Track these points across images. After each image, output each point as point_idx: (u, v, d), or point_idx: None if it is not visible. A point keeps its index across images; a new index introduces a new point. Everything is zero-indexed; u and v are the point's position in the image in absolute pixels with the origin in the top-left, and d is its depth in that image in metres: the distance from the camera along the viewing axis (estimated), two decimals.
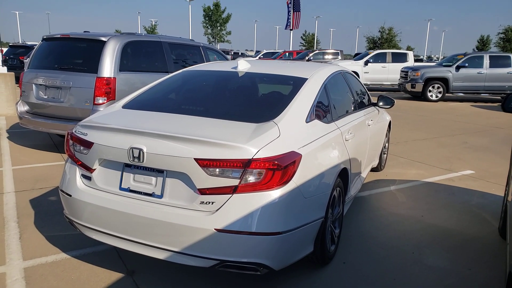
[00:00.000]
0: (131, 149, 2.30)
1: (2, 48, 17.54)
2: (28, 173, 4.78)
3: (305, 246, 2.50)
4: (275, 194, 2.19)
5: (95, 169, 2.50)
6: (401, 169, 5.46)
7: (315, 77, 3.13)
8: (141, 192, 2.36)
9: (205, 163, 2.17)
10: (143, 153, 2.28)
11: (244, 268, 2.23)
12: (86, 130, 2.55)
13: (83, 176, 2.57)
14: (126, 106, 2.93)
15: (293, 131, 2.48)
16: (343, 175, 3.07)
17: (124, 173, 2.42)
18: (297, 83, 3.00)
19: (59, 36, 5.58)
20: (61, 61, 5.43)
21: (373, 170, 5.17)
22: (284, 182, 2.23)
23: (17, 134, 6.86)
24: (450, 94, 14.32)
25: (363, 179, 4.05)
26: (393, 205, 4.11)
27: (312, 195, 2.45)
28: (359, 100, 4.06)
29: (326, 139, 2.76)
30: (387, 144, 5.44)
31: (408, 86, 14.33)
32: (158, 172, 2.32)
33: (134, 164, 2.36)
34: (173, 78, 3.45)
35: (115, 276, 2.68)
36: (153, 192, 2.33)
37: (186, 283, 2.62)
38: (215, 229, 2.15)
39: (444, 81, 13.93)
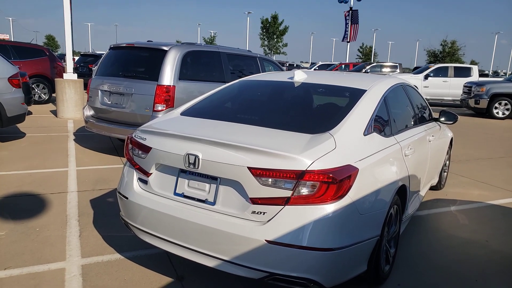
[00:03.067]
0: (187, 155, 2.34)
1: (74, 57, 18.98)
2: (90, 174, 5.06)
3: (358, 265, 2.39)
4: (329, 208, 2.12)
5: (151, 173, 2.57)
6: (462, 189, 5.11)
7: (374, 88, 3.02)
8: (195, 198, 2.39)
9: (258, 172, 2.15)
10: (198, 159, 2.30)
11: (294, 283, 2.16)
12: (145, 135, 2.64)
13: (140, 179, 2.65)
14: (184, 113, 3.00)
15: (350, 143, 2.40)
16: (401, 192, 2.91)
17: (179, 178, 2.47)
18: (356, 94, 2.91)
19: (124, 45, 5.91)
20: (125, 69, 5.73)
21: (432, 188, 4.88)
22: (339, 196, 2.15)
23: (82, 136, 7.32)
24: None
25: (421, 197, 3.83)
26: (454, 227, 3.83)
27: (368, 212, 2.34)
28: (420, 115, 3.87)
29: (384, 153, 2.64)
30: (448, 162, 5.12)
31: (471, 102, 13.50)
32: (212, 179, 2.34)
33: (189, 170, 2.39)
34: (230, 87, 3.50)
35: (165, 280, 2.73)
36: (206, 199, 2.35)
37: None
38: (265, 240, 2.11)
39: None
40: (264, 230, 2.13)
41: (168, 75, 5.26)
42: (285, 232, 2.10)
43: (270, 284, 2.58)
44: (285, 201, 2.13)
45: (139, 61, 5.71)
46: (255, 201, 2.18)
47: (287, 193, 2.13)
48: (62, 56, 22.42)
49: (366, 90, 2.95)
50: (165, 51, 5.38)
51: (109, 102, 5.73)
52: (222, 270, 2.29)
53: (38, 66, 11.07)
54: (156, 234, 2.49)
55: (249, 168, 2.17)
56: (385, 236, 2.66)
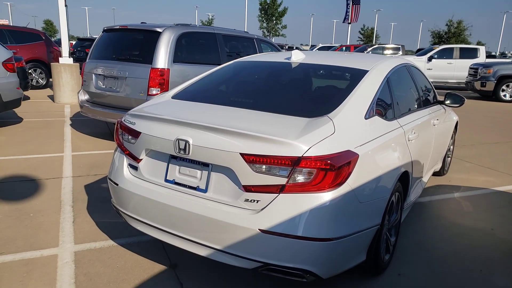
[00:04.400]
0: (177, 141, 2.22)
1: (72, 42, 18.71)
2: (85, 159, 4.96)
3: (357, 255, 2.28)
4: (326, 196, 2.00)
5: (141, 159, 2.46)
6: (467, 174, 4.98)
7: (377, 69, 2.86)
8: (186, 185, 2.27)
9: (251, 159, 2.03)
10: (189, 145, 2.18)
11: (289, 274, 2.07)
12: (134, 119, 2.51)
13: (130, 165, 2.54)
14: (175, 97, 2.87)
15: (350, 128, 2.26)
16: (404, 178, 2.79)
17: (170, 164, 2.35)
18: (357, 75, 2.76)
19: (118, 27, 5.73)
20: (118, 52, 5.56)
21: (435, 174, 4.76)
22: (337, 184, 2.02)
23: (78, 121, 7.20)
24: None
25: (424, 184, 3.71)
26: (458, 215, 3.72)
27: (368, 200, 2.22)
28: (424, 97, 3.71)
29: (387, 138, 2.51)
30: (452, 147, 4.98)
31: (477, 85, 13.24)
32: (204, 165, 2.22)
33: (180, 156, 2.28)
34: (224, 69, 3.35)
35: (158, 268, 2.64)
36: (198, 186, 2.24)
37: (229, 282, 2.51)
38: (259, 229, 2.00)
39: None
40: (257, 219, 2.02)
41: (162, 57, 5.10)
42: (279, 221, 1.99)
43: (265, 274, 2.49)
44: (279, 189, 2.02)
45: (132, 44, 5.54)
46: (248, 188, 2.07)
47: (282, 181, 2.01)
48: (60, 41, 22.17)
49: (368, 71, 2.80)
50: (159, 33, 5.20)
51: (104, 86, 5.58)
52: (214, 260, 2.19)
53: (34, 50, 10.87)
54: (146, 221, 2.40)
55: (242, 155, 2.05)
56: (386, 224, 2.55)
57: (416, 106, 3.40)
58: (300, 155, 1.98)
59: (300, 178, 2.00)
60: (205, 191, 2.21)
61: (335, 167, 2.01)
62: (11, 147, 5.34)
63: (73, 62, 9.24)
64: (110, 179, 2.65)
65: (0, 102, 5.95)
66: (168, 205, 2.26)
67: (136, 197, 2.42)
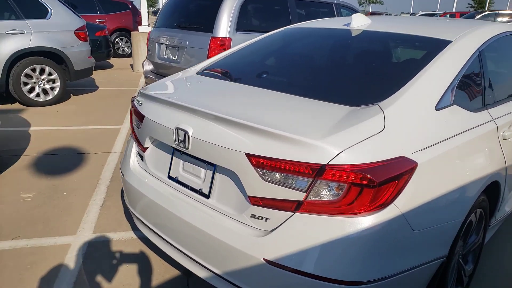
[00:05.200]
0: (176, 130, 1.77)
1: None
2: None
3: None
4: (360, 223, 1.40)
5: (147, 147, 2.07)
6: None
7: (465, 39, 2.05)
8: (189, 186, 1.83)
9: (260, 162, 1.50)
10: (188, 136, 1.72)
11: None
12: (142, 99, 2.12)
13: (138, 154, 2.17)
14: (201, 72, 2.40)
15: (409, 122, 1.58)
16: (492, 190, 2.02)
17: (173, 158, 1.93)
18: (434, 47, 2.00)
19: None
20: (181, 20, 5.23)
21: None
22: (378, 206, 1.41)
23: None
24: None
25: None
26: None
27: (428, 226, 1.55)
28: None
29: (468, 137, 1.76)
30: None
31: None
32: (208, 163, 1.75)
33: (180, 150, 1.83)
34: (269, 38, 2.77)
35: (170, 273, 2.30)
36: (201, 189, 1.78)
37: None
38: (264, 259, 1.49)
39: None
40: (263, 244, 1.51)
41: (224, 25, 4.63)
42: (291, 251, 1.45)
43: None
44: (295, 207, 1.47)
45: (195, 10, 5.15)
46: (255, 201, 1.55)
47: (299, 196, 1.45)
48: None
49: (450, 42, 2.01)
50: None
51: (165, 56, 5.34)
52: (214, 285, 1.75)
53: (121, 19, 11.20)
54: (147, 223, 2.03)
55: (248, 155, 1.52)
56: (458, 252, 1.86)
57: None
58: (325, 162, 1.40)
59: (325, 194, 1.43)
60: (207, 196, 1.75)
61: (375, 183, 1.39)
62: (76, 116, 5.44)
63: None
64: (120, 168, 2.33)
65: (72, 71, 6.10)
66: (166, 209, 1.85)
67: (138, 194, 2.05)
